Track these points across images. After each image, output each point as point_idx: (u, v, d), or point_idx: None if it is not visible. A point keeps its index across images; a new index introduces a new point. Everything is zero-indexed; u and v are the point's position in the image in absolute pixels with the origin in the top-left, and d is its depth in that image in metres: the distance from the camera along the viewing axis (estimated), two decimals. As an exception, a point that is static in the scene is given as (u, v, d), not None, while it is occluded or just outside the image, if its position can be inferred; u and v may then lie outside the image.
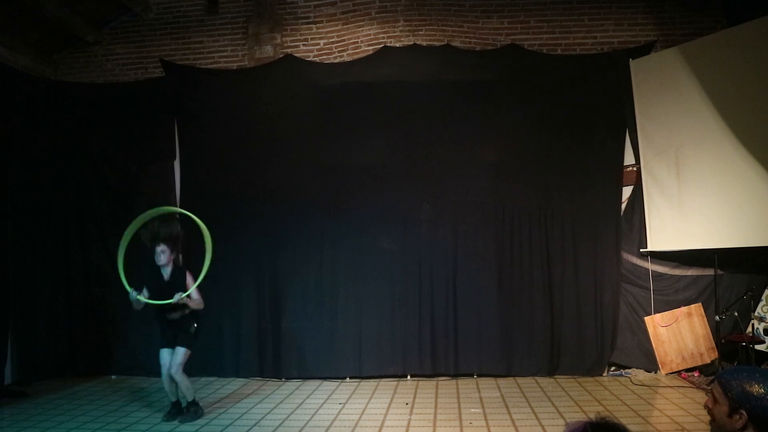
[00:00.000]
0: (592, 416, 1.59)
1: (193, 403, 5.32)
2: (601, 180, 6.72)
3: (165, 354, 5.18)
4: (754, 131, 5.76)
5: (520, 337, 6.64)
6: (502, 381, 6.41)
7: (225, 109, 7.06)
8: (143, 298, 5.05)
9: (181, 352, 5.15)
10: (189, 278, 5.25)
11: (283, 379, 6.71)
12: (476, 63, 6.86)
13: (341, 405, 5.66)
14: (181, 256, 5.91)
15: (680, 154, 6.30)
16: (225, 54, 7.29)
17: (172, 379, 5.18)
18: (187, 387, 5.25)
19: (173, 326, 5.21)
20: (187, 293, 5.07)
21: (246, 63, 7.22)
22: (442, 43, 6.94)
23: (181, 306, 5.11)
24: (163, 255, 5.15)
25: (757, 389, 1.75)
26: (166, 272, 5.24)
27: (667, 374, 6.45)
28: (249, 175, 6.95)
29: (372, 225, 6.78)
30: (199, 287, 5.21)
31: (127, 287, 5.00)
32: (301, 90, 6.98)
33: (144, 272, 5.33)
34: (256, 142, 6.99)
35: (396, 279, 6.75)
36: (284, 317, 6.82)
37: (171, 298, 5.01)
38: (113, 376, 6.98)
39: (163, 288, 5.13)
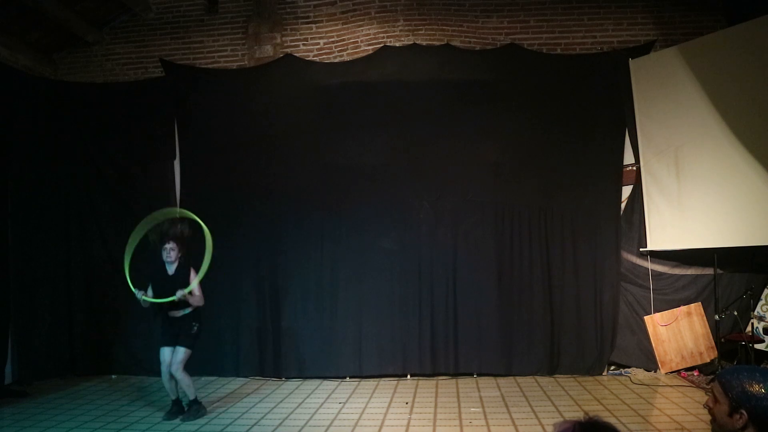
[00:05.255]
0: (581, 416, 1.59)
1: (195, 402, 5.34)
2: (601, 180, 6.72)
3: (165, 352, 5.22)
4: (754, 131, 5.77)
5: (519, 336, 6.64)
6: (501, 380, 6.41)
7: (225, 109, 7.06)
8: (148, 297, 5.14)
9: (181, 351, 5.19)
10: (192, 274, 5.30)
11: (283, 379, 6.72)
12: (476, 62, 6.86)
13: (341, 404, 5.66)
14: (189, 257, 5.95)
15: (680, 153, 6.30)
16: (225, 54, 7.29)
17: (172, 377, 5.21)
18: (188, 385, 5.28)
19: (175, 325, 5.25)
20: (188, 289, 5.11)
21: (246, 63, 7.22)
22: (442, 43, 6.94)
23: (183, 304, 5.16)
24: (172, 252, 5.25)
25: (757, 389, 1.75)
26: (171, 268, 5.31)
27: (666, 373, 6.46)
28: (249, 175, 6.95)
29: (372, 225, 6.79)
30: (199, 285, 5.25)
31: (132, 288, 5.08)
32: (301, 90, 6.98)
33: (149, 268, 5.41)
34: (255, 142, 6.99)
35: (396, 279, 6.75)
36: (284, 317, 6.82)
37: (174, 293, 5.06)
38: (113, 376, 6.98)
39: (166, 283, 5.20)
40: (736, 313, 5.95)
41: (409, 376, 6.67)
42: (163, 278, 5.26)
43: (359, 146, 6.84)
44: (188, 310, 5.23)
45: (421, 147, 6.80)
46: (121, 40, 7.45)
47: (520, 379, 6.46)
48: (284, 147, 6.93)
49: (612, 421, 4.76)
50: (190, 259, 5.42)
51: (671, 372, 6.46)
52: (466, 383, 6.36)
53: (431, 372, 6.64)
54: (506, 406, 5.46)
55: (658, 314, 6.55)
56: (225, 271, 6.70)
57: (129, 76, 7.39)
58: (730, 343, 6.07)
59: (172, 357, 5.18)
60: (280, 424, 5.05)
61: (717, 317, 5.95)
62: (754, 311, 6.07)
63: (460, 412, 5.28)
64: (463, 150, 6.77)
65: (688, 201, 6.25)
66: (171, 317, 5.22)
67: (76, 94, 7.24)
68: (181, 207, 6.93)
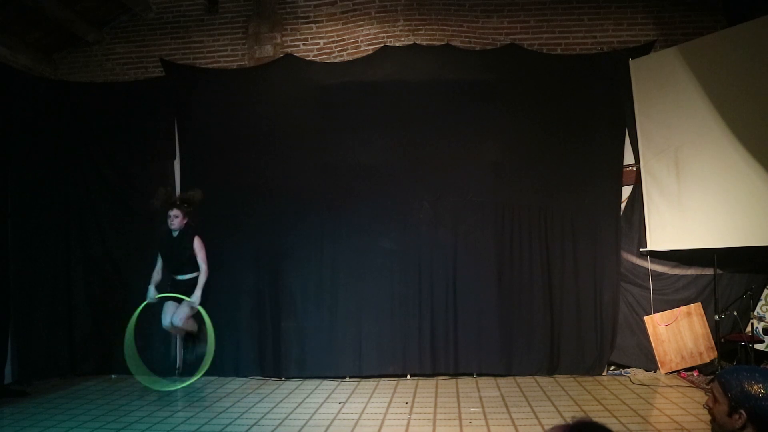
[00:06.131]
0: (570, 420, 1.59)
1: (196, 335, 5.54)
2: (601, 180, 6.72)
3: (169, 304, 5.30)
4: (754, 131, 5.76)
5: (519, 336, 6.64)
6: (501, 380, 6.41)
7: (225, 109, 7.06)
8: (153, 296, 5.29)
9: (186, 304, 5.23)
10: (197, 242, 5.35)
11: (283, 378, 6.72)
12: (476, 63, 6.86)
13: (341, 404, 5.66)
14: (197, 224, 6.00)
15: (680, 153, 6.30)
16: (225, 53, 7.29)
17: (173, 327, 5.31)
18: (191, 325, 5.43)
19: (181, 287, 5.37)
20: (196, 300, 5.22)
21: (246, 62, 7.22)
22: (442, 43, 6.94)
23: (189, 267, 5.21)
24: (175, 219, 5.36)
25: (756, 389, 1.76)
26: (175, 232, 5.44)
27: (666, 373, 6.45)
28: (249, 175, 6.94)
29: (372, 224, 6.79)
30: (205, 258, 5.46)
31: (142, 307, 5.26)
32: (301, 90, 6.98)
33: (158, 235, 5.57)
34: (255, 142, 6.99)
35: (396, 278, 6.75)
36: (284, 316, 6.82)
37: (178, 255, 5.22)
38: (113, 376, 6.97)
39: (172, 247, 5.27)
40: (736, 313, 5.94)
41: (409, 376, 6.66)
42: (168, 242, 5.37)
43: (359, 146, 6.84)
44: (195, 274, 5.29)
45: (421, 147, 6.80)
46: (121, 40, 7.45)
47: (520, 379, 6.46)
48: (284, 147, 6.93)
49: (612, 421, 4.76)
50: (196, 227, 5.49)
51: (671, 372, 6.46)
52: (466, 383, 6.36)
53: (431, 372, 6.64)
54: (506, 406, 5.46)
55: (658, 314, 6.55)
56: (225, 271, 6.69)
57: (129, 76, 7.39)
58: (730, 343, 6.07)
59: (177, 309, 5.25)
60: (279, 424, 5.05)
61: (717, 317, 5.95)
62: (754, 311, 6.07)
63: (460, 412, 5.28)
64: (463, 150, 6.77)
65: (688, 201, 6.25)
66: (177, 280, 5.27)
67: (76, 94, 7.24)
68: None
